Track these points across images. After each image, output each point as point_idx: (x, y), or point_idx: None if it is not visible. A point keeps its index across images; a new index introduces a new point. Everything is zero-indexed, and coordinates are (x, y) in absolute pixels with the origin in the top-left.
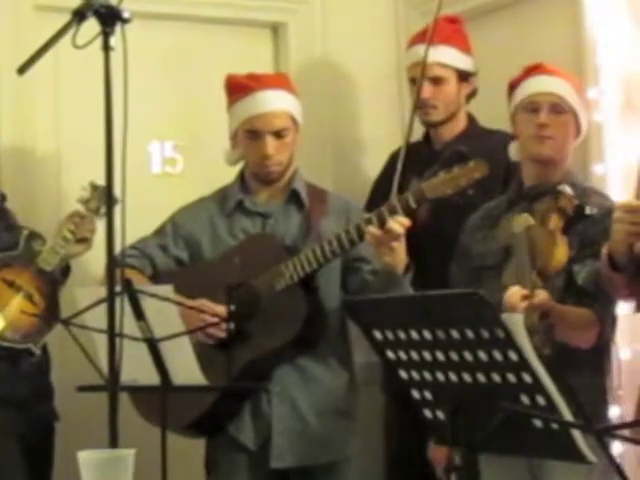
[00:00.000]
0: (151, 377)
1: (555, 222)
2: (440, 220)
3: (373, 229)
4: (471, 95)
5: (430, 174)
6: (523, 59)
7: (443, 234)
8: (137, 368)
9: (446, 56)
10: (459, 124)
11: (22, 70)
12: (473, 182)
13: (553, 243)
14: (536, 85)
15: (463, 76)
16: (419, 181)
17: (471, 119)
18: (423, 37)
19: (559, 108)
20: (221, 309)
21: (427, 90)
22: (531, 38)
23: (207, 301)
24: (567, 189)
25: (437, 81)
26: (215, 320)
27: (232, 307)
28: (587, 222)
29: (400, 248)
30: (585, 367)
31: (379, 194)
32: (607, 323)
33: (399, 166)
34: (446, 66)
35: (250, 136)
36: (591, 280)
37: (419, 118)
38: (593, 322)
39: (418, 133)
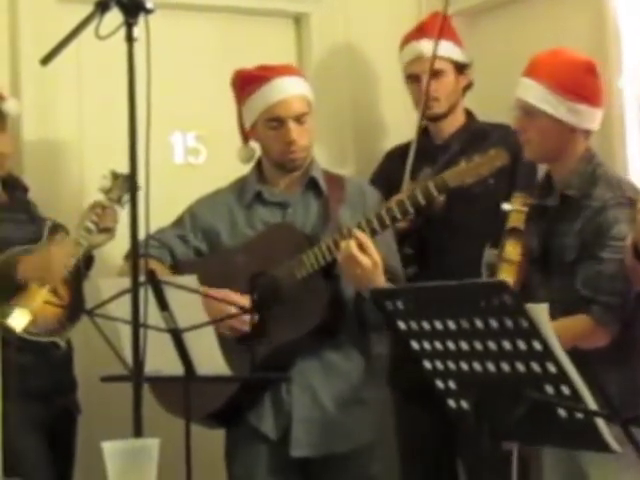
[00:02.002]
0: (175, 367)
1: (508, 249)
2: (451, 208)
3: (344, 245)
4: (467, 88)
5: (449, 157)
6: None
7: (454, 221)
8: (161, 358)
9: (442, 49)
10: (458, 119)
11: (45, 61)
12: (494, 171)
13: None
14: (517, 88)
15: (459, 68)
16: (432, 169)
17: (469, 114)
18: (417, 34)
19: (529, 112)
20: (244, 300)
21: (428, 84)
22: (553, 29)
23: (230, 292)
24: (506, 206)
25: (437, 74)
26: (239, 311)
27: (255, 297)
28: (584, 219)
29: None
30: (608, 362)
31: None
32: (610, 324)
33: (411, 154)
34: (444, 59)
35: (272, 125)
36: (588, 284)
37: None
38: (592, 328)
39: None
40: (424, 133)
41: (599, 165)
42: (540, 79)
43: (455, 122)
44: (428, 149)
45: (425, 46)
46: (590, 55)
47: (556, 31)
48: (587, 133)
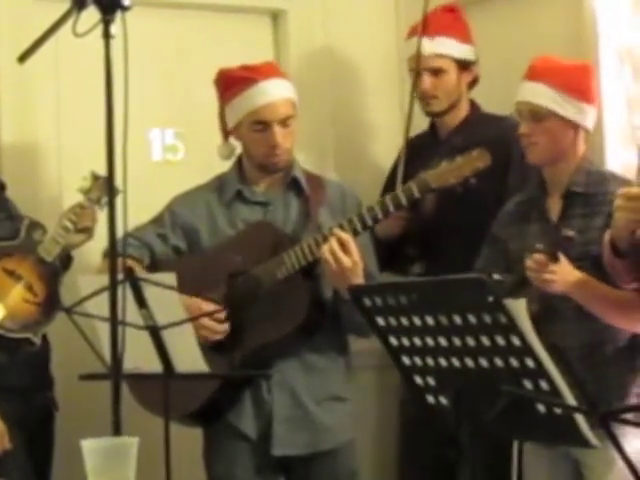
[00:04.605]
0: (154, 365)
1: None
2: (444, 208)
3: (326, 244)
4: (473, 83)
5: (441, 157)
6: (526, 43)
7: (446, 221)
8: (140, 356)
9: (444, 47)
10: (462, 112)
11: (22, 59)
12: (476, 171)
13: None
14: (519, 93)
15: (463, 65)
16: (424, 171)
17: (473, 105)
18: (412, 31)
19: (537, 116)
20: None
21: (427, 81)
22: (533, 23)
23: (201, 301)
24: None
25: (436, 72)
26: (216, 310)
27: (225, 309)
28: (607, 214)
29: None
30: (615, 364)
31: (390, 189)
32: None
33: (402, 157)
34: (444, 57)
35: (257, 128)
36: None
37: (421, 109)
38: (638, 302)
39: (424, 123)
40: (431, 127)
41: (598, 164)
42: (545, 81)
43: (458, 116)
44: (433, 144)
45: (415, 44)
46: (566, 51)
47: (534, 26)
48: (586, 133)
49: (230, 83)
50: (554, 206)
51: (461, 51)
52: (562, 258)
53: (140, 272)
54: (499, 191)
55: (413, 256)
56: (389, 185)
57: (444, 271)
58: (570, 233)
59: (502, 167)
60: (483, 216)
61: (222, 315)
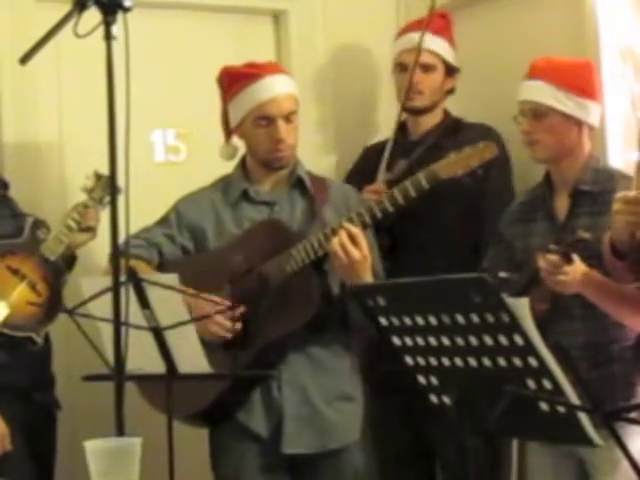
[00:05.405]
0: (157, 366)
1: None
2: (421, 203)
3: (335, 241)
4: (449, 92)
5: (424, 150)
6: (527, 44)
7: (422, 217)
8: (143, 357)
9: (438, 46)
10: (436, 116)
11: (24, 60)
12: (484, 162)
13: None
14: (521, 92)
15: (449, 70)
16: (407, 161)
17: (446, 113)
18: (417, 26)
19: (538, 113)
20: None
21: (416, 76)
22: (534, 23)
23: (212, 295)
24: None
25: (426, 68)
26: (224, 307)
27: (242, 309)
28: None
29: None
30: (621, 363)
31: (363, 180)
32: None
33: (389, 147)
34: (437, 56)
35: (261, 123)
36: None
37: (402, 105)
38: None
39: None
40: (401, 129)
41: (605, 162)
42: (545, 79)
43: (433, 119)
44: (404, 144)
45: (411, 39)
46: (568, 51)
47: (534, 28)
48: (591, 130)
49: (234, 79)
50: (561, 205)
51: (451, 56)
52: (576, 259)
53: (149, 273)
54: (478, 193)
55: (387, 246)
56: (359, 176)
57: (411, 269)
58: (586, 235)
59: (482, 170)
60: (459, 217)
61: (236, 313)
